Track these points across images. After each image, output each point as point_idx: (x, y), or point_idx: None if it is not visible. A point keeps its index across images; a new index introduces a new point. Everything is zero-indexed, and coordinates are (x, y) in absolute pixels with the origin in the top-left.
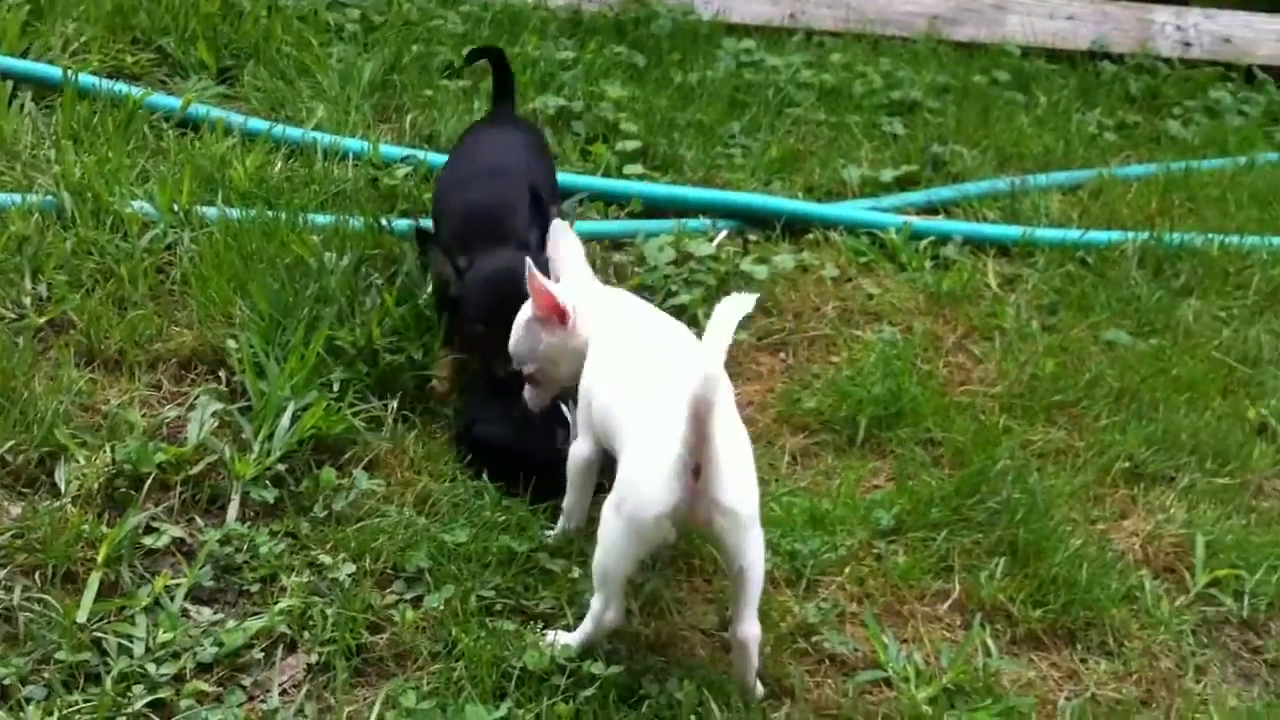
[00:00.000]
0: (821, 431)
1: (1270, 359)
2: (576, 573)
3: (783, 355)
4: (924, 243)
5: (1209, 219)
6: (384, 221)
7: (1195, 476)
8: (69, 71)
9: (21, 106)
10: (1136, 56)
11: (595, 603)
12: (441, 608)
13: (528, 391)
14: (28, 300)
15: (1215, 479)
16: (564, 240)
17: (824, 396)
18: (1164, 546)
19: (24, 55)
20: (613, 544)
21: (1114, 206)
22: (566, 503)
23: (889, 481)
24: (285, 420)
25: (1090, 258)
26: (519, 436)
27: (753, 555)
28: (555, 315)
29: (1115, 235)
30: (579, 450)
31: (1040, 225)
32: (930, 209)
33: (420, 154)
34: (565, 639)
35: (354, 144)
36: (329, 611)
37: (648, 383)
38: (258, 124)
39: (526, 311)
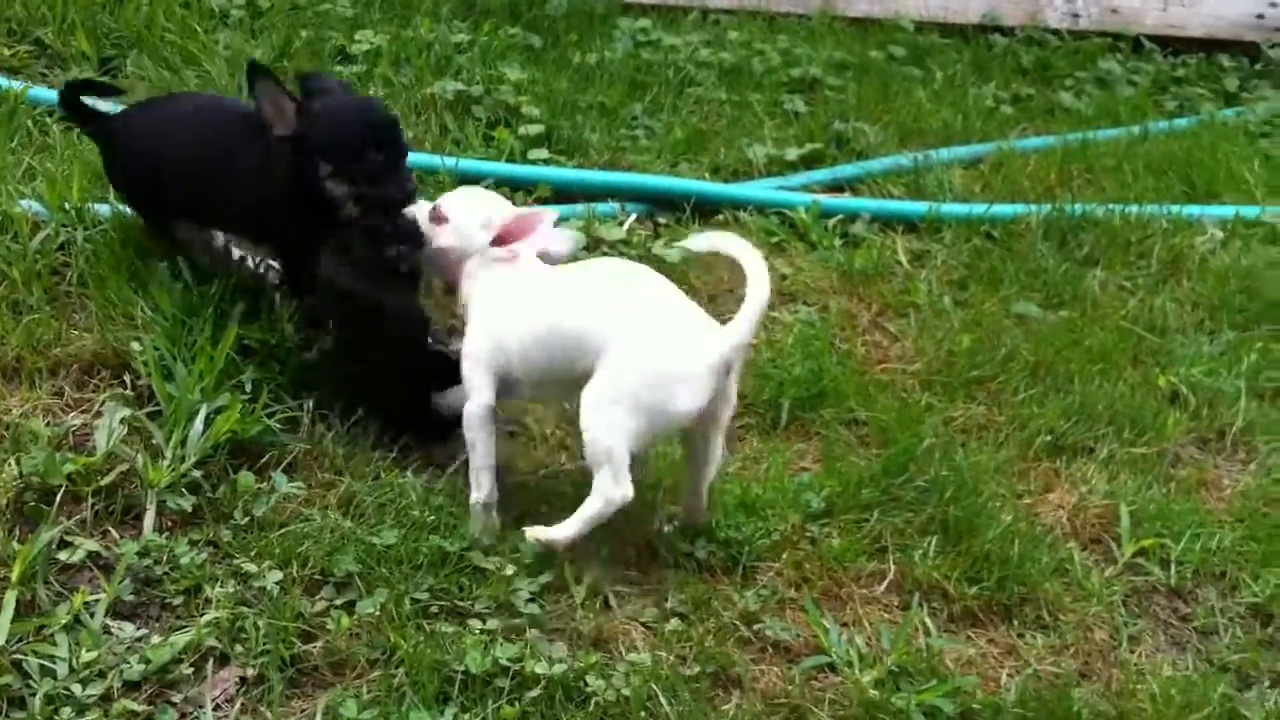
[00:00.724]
0: (744, 415)
1: (1176, 327)
2: (510, 569)
3: None
4: (833, 221)
5: (1108, 189)
6: None
7: (1114, 447)
8: None
9: None
10: (1026, 29)
11: (602, 479)
12: (376, 613)
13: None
14: None
15: (1133, 449)
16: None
17: (744, 379)
18: (1089, 518)
19: None
20: (624, 428)
21: (1015, 179)
22: (474, 464)
23: (815, 464)
24: (198, 425)
25: (996, 232)
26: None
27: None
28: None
29: (1019, 208)
30: (480, 401)
31: (945, 200)
32: (836, 186)
33: None
34: (557, 531)
35: None
36: (260, 622)
37: (624, 295)
38: None
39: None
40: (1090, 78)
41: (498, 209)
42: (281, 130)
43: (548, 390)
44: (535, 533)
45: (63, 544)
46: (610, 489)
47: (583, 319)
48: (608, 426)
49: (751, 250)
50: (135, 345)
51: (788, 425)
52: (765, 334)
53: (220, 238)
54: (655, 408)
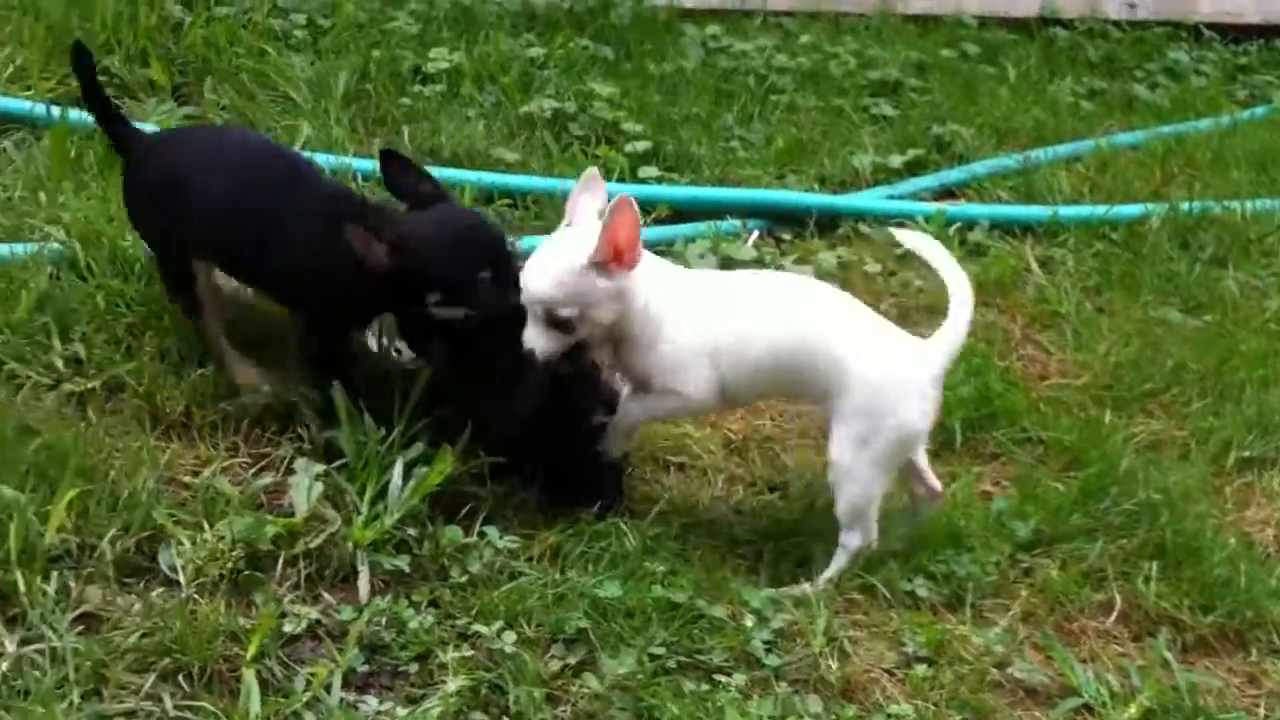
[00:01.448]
0: None
1: None
2: (750, 621)
3: None
4: (952, 229)
5: (1213, 185)
6: None
7: None
8: (52, 106)
9: None
10: (1086, 21)
11: (853, 539)
12: (626, 673)
13: (540, 338)
14: (60, 362)
15: None
16: (591, 192)
17: None
18: None
19: None
20: (879, 482)
21: (1124, 178)
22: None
23: (996, 486)
24: (396, 477)
25: (1115, 234)
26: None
27: None
28: (623, 256)
29: (1139, 209)
30: (701, 398)
31: (1056, 202)
32: (944, 193)
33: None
34: (812, 588)
35: (365, 164)
36: (513, 690)
37: (836, 309)
38: None
39: (577, 254)
40: (1159, 69)
41: (579, 251)
42: (375, 264)
43: (745, 393)
44: (782, 594)
45: (282, 613)
46: (858, 543)
47: (808, 334)
48: (866, 486)
49: (949, 256)
50: (313, 395)
51: (961, 446)
52: None
53: None
54: (903, 446)
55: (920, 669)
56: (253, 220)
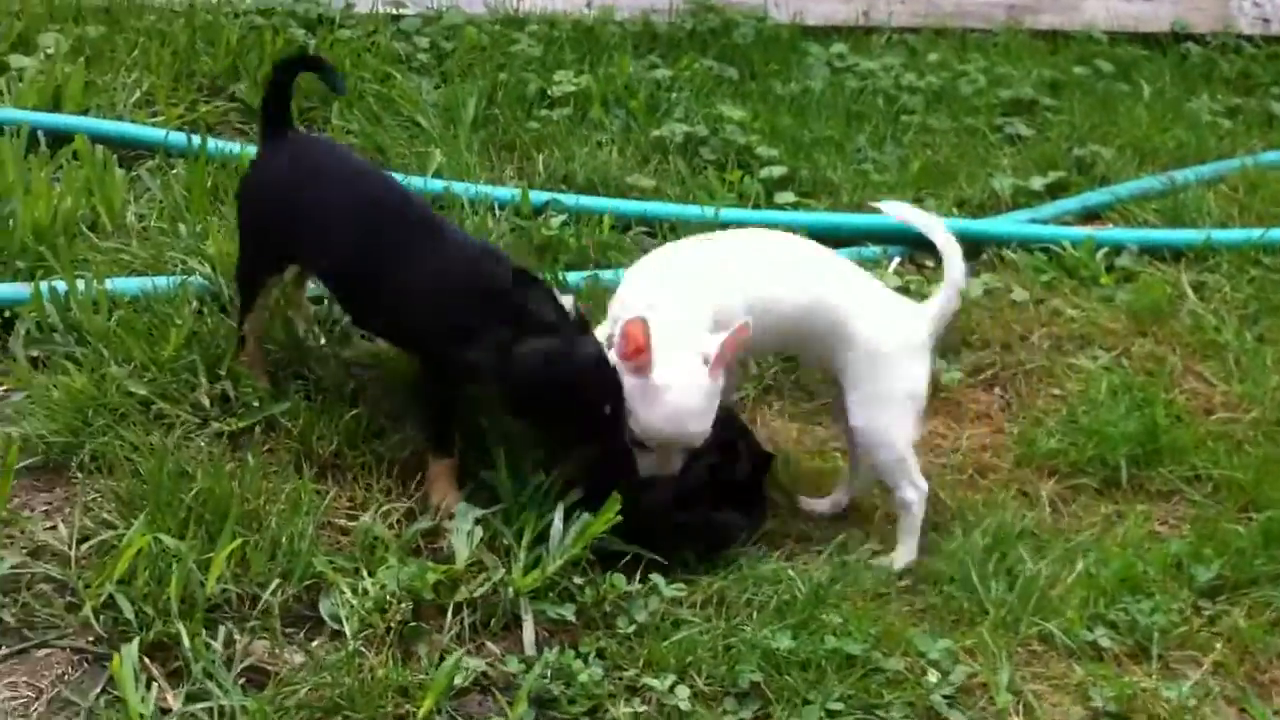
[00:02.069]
0: (1072, 475)
1: None
2: (928, 674)
3: (999, 390)
4: (1100, 254)
5: None
6: (560, 276)
7: None
8: (192, 135)
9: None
10: (1218, 36)
11: (908, 494)
12: None
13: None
14: (207, 401)
15: None
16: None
17: (1064, 436)
18: None
19: (85, 112)
20: (905, 430)
21: (1276, 199)
22: None
23: (1166, 526)
24: (557, 522)
25: (1268, 259)
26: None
27: None
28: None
29: None
30: None
31: (1205, 225)
32: (1086, 216)
33: (563, 199)
34: (899, 558)
35: (503, 193)
36: None
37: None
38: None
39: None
40: None
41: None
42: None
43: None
44: (889, 562)
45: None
46: (914, 495)
47: (808, 293)
48: (894, 443)
49: (939, 222)
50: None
51: (1127, 484)
52: (1071, 383)
53: None
54: (915, 402)
55: None
56: (368, 258)
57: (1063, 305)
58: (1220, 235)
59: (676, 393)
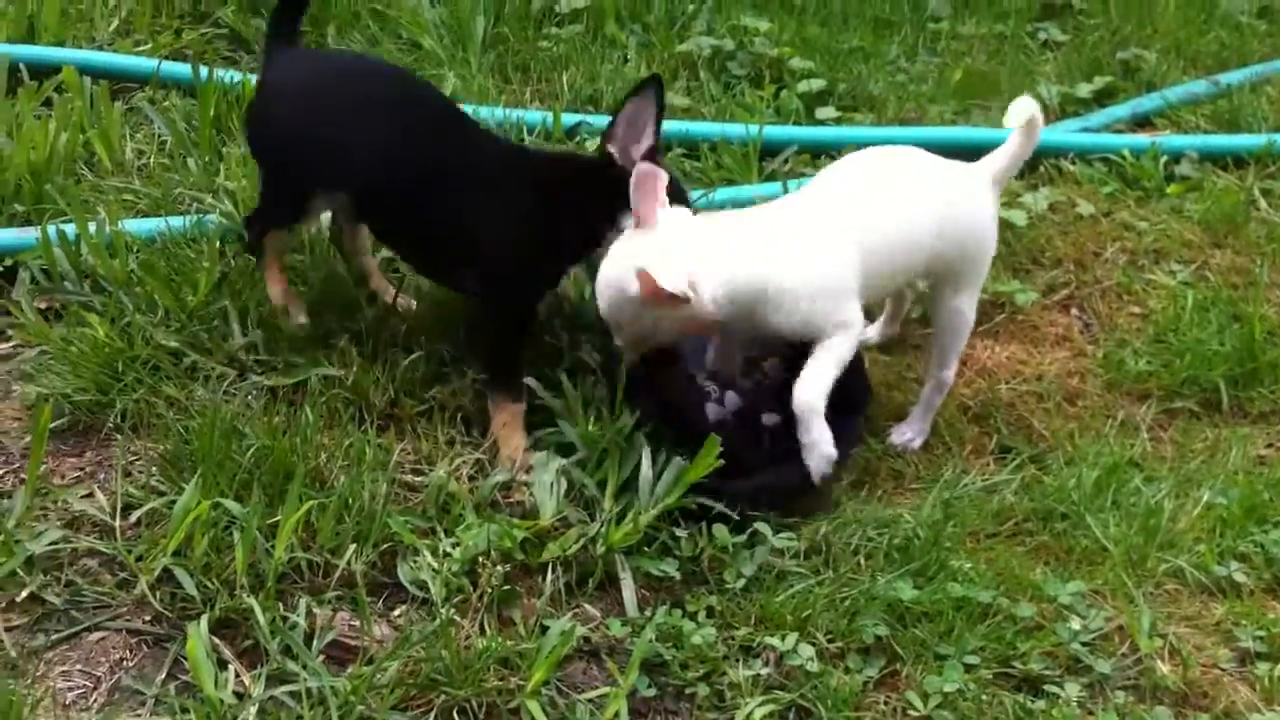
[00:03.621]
0: (1167, 398)
1: None
2: (1074, 624)
3: (1075, 311)
4: (1160, 162)
5: None
6: None
7: None
8: (198, 64)
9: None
10: None
11: (949, 375)
12: (955, 690)
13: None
14: (243, 354)
15: None
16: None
17: (1153, 357)
18: None
19: (62, 44)
20: (974, 308)
21: None
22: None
23: (1272, 449)
24: (645, 469)
25: None
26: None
27: None
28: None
29: None
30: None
31: (1261, 130)
32: (1137, 123)
33: (595, 119)
34: (919, 435)
35: (533, 116)
36: (824, 713)
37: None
38: None
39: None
40: None
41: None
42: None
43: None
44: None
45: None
46: (952, 375)
47: (927, 204)
48: (971, 321)
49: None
50: (530, 382)
51: (1227, 406)
52: (1154, 301)
53: None
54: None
55: (1264, 667)
56: (436, 180)
57: (1131, 218)
58: None
59: (610, 258)
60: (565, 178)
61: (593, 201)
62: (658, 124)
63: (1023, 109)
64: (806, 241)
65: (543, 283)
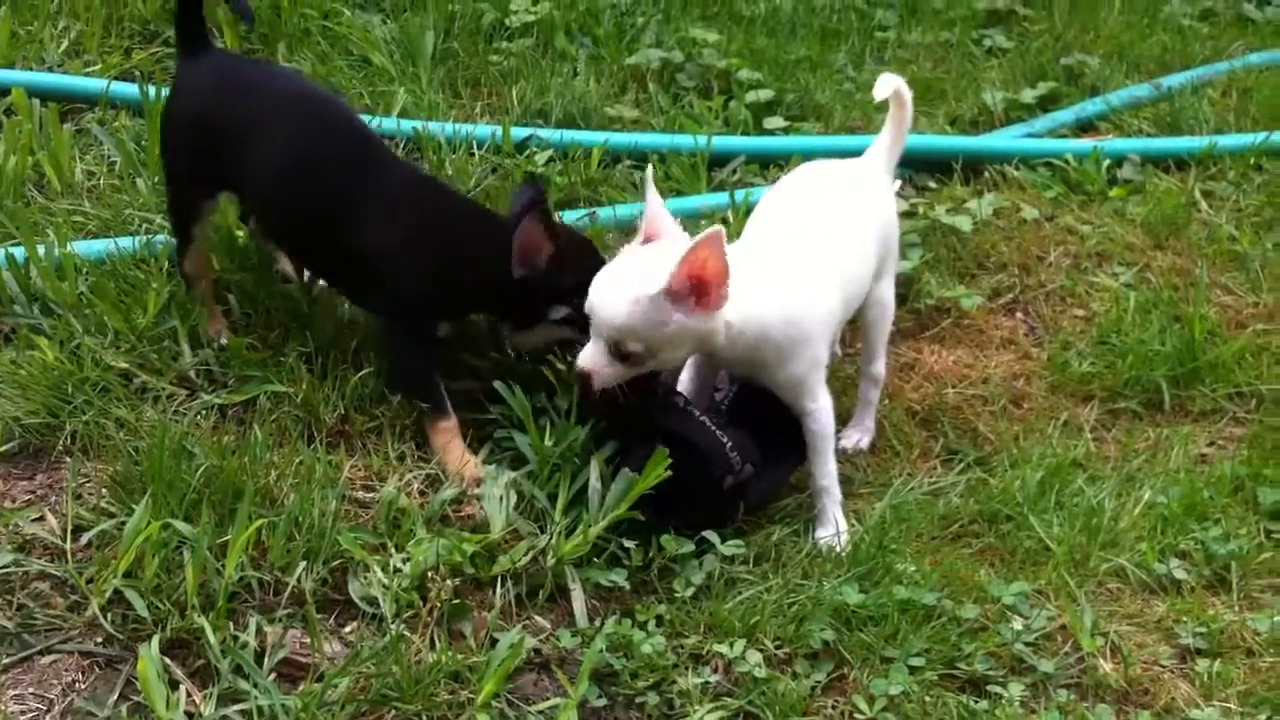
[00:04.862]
0: (1111, 399)
1: None
2: (1017, 624)
3: (1020, 315)
4: (1103, 166)
5: None
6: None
7: None
8: (147, 84)
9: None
10: None
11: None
12: (900, 692)
13: (600, 362)
14: (194, 373)
15: None
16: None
17: (1097, 358)
18: None
19: (11, 65)
20: None
21: (1269, 102)
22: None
23: (1214, 447)
24: (594, 480)
25: (1269, 164)
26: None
27: None
28: (709, 294)
29: None
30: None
31: (1202, 132)
32: (1080, 128)
33: (544, 134)
34: (866, 437)
35: (482, 131)
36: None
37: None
38: None
39: (649, 280)
40: None
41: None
42: (522, 271)
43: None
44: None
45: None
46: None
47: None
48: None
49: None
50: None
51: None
52: (1096, 303)
53: None
54: None
55: (1204, 664)
56: (332, 197)
57: (1074, 222)
58: (1224, 141)
59: (615, 266)
60: (466, 221)
61: (484, 252)
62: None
63: (888, 82)
64: (806, 281)
65: (437, 313)
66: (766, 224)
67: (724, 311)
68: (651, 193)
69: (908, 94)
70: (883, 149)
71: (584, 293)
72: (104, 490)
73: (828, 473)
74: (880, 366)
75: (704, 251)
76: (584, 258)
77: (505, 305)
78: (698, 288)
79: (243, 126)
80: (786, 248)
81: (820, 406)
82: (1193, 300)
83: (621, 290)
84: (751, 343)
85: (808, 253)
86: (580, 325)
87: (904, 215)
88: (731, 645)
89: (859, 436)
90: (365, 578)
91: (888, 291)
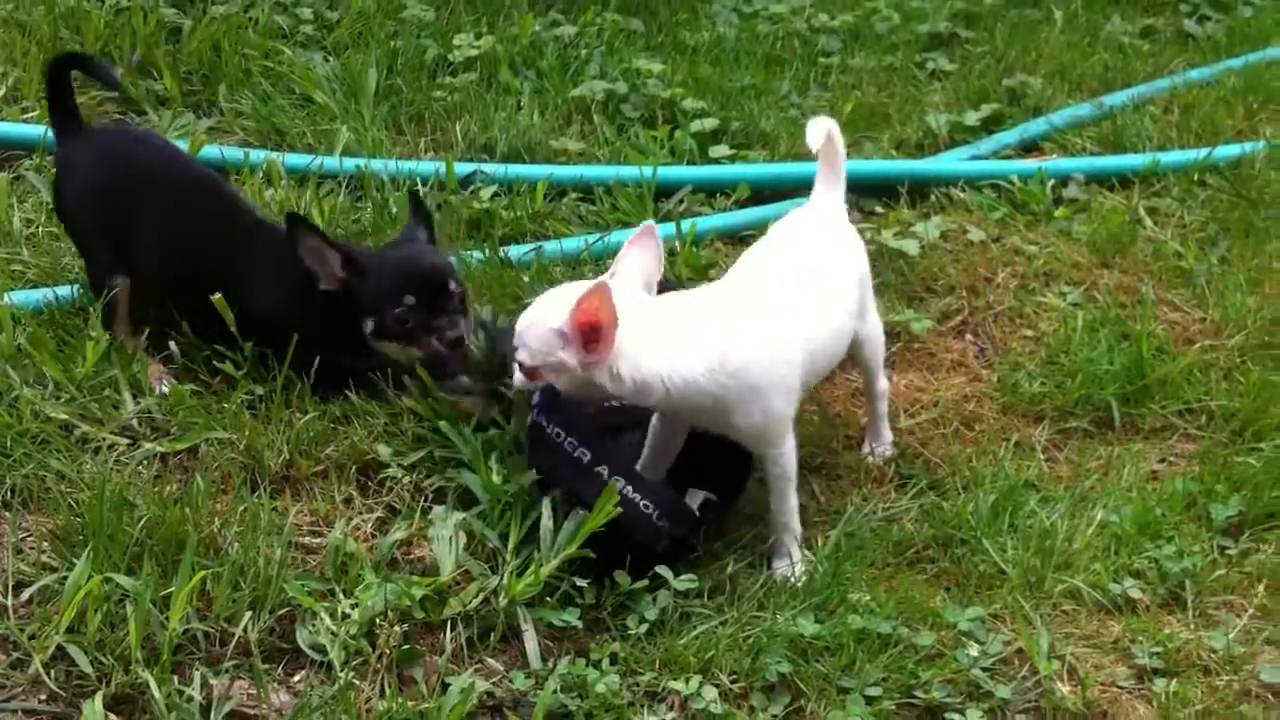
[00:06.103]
0: (1062, 419)
1: None
2: (973, 650)
3: (970, 336)
4: (1048, 186)
5: None
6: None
7: None
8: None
9: None
10: None
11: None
12: None
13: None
14: (135, 421)
15: None
16: (640, 246)
17: (1046, 379)
18: None
19: None
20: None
21: (1209, 118)
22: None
23: (1165, 464)
24: (545, 519)
25: (1213, 178)
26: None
27: None
28: (595, 342)
29: (1236, 149)
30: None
31: (1145, 150)
32: (1024, 148)
33: (489, 168)
34: (887, 445)
35: (425, 167)
36: None
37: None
38: (296, 159)
39: (553, 315)
40: (1204, 1)
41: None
42: (327, 279)
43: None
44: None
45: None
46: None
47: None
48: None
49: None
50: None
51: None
52: (1044, 324)
53: None
54: None
55: (1161, 683)
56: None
57: (1021, 243)
58: (1167, 158)
59: (547, 295)
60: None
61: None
62: None
63: (819, 126)
64: (752, 335)
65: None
66: (730, 278)
67: (615, 362)
68: (634, 237)
69: (839, 135)
70: (828, 188)
71: (393, 302)
72: (45, 544)
73: (788, 509)
74: (882, 383)
75: (593, 302)
76: (387, 269)
77: (344, 325)
78: (587, 335)
79: (131, 207)
80: (740, 301)
81: (782, 451)
82: (1140, 318)
83: (535, 311)
84: (681, 393)
85: (762, 305)
86: (409, 336)
87: None
88: (687, 681)
89: (883, 446)
90: (313, 625)
91: (874, 326)
